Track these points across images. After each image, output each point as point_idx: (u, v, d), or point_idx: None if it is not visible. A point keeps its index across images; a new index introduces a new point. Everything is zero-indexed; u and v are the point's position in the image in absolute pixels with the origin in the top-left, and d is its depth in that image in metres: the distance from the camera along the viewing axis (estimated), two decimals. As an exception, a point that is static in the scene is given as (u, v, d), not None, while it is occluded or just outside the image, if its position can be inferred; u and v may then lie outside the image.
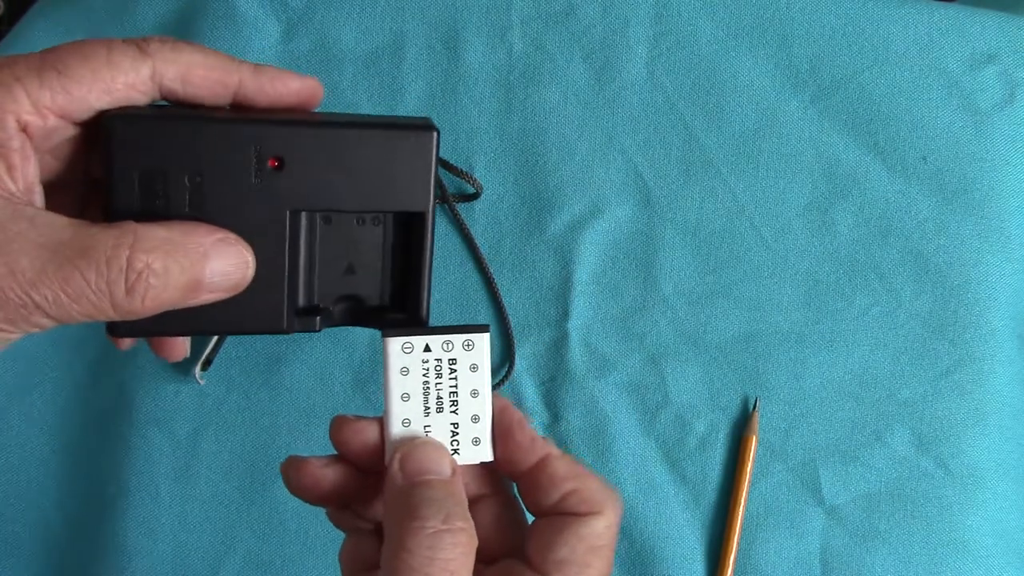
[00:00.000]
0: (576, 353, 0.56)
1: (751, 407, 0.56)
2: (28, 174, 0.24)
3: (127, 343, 0.30)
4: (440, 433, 0.29)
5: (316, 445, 0.55)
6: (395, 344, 0.28)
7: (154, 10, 0.59)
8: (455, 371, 0.29)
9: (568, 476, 0.28)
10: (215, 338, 0.55)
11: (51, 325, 0.24)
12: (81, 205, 0.28)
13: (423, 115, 0.29)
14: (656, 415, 0.56)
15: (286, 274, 0.28)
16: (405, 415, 0.28)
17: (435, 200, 0.29)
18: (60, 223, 0.23)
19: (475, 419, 0.29)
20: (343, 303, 0.31)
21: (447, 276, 0.57)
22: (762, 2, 0.57)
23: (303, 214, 0.28)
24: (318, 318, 0.29)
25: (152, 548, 0.56)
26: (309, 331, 0.29)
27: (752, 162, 0.57)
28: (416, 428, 0.28)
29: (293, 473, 0.29)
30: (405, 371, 0.28)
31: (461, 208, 0.58)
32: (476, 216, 0.58)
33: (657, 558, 0.55)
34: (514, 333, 0.57)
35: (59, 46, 0.25)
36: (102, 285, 0.23)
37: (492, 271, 0.57)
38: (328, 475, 0.29)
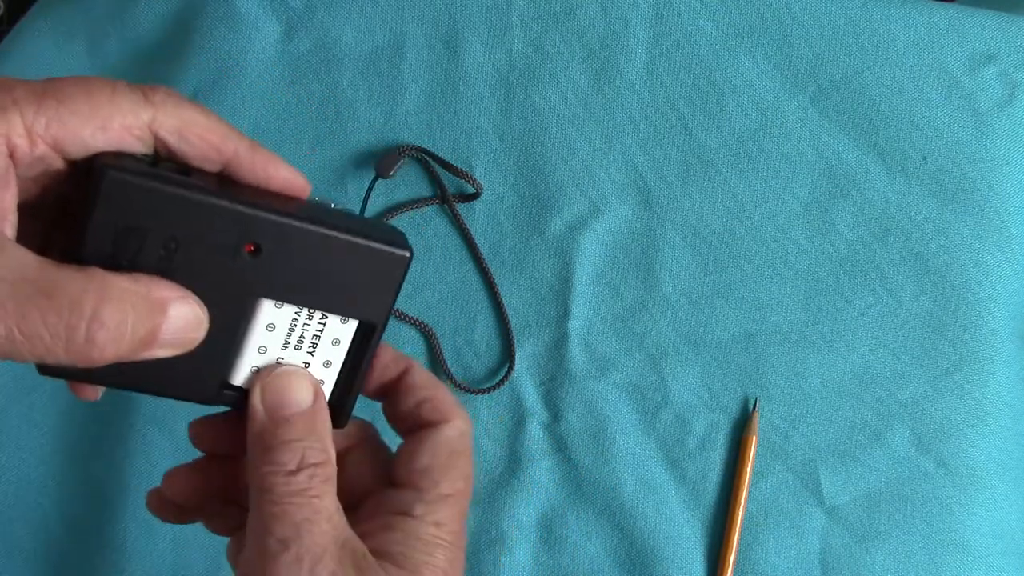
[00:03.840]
0: (576, 353, 0.56)
1: (751, 407, 0.56)
2: (4, 200, 0.24)
3: (90, 394, 0.30)
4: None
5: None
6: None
7: (154, 10, 0.59)
8: (325, 317, 0.30)
9: (425, 385, 0.31)
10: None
11: None
12: (48, 231, 0.28)
13: (401, 230, 0.30)
14: (656, 415, 0.56)
15: (230, 351, 0.29)
16: (263, 342, 0.29)
17: (387, 320, 0.30)
18: (29, 259, 0.23)
19: (327, 364, 0.30)
20: None
21: (447, 276, 0.57)
22: (762, 2, 0.57)
23: (269, 302, 0.29)
24: (240, 396, 0.30)
25: (152, 548, 0.56)
26: (231, 407, 0.30)
27: (752, 162, 0.57)
28: (269, 357, 0.29)
29: (154, 496, 0.32)
30: (279, 304, 0.29)
31: (461, 208, 0.58)
32: (476, 216, 0.58)
33: (657, 558, 0.55)
34: (514, 333, 0.57)
35: (64, 78, 0.25)
36: (60, 329, 0.22)
37: (492, 271, 0.57)
38: (192, 477, 0.32)
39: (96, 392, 0.30)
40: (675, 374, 0.56)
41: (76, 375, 0.28)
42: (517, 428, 0.57)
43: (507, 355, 0.57)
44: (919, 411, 0.56)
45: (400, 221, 0.58)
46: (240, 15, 0.58)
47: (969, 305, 0.56)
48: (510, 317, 0.57)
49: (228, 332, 0.28)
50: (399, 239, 0.30)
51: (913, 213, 0.57)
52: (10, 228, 0.25)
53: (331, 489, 0.28)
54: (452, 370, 0.57)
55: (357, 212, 0.57)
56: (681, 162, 0.57)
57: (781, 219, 0.57)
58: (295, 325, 0.29)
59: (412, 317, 0.57)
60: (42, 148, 0.24)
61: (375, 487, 0.31)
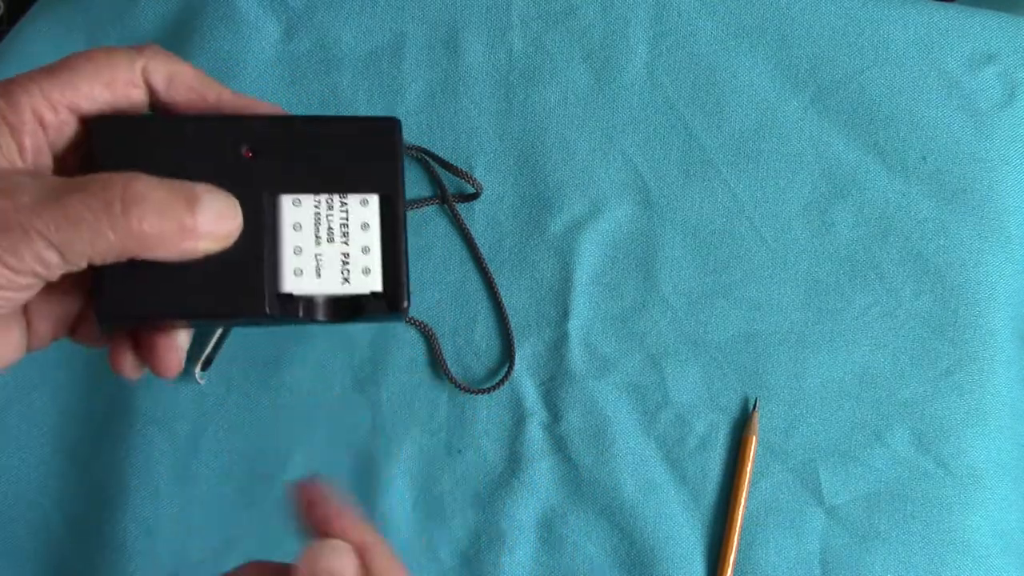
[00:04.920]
0: (576, 353, 0.56)
1: (751, 407, 0.56)
2: (41, 161, 0.27)
3: (134, 372, 0.31)
4: (331, 261, 0.30)
5: (315, 444, 0.55)
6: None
7: (154, 10, 0.59)
8: (345, 204, 0.30)
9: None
10: (215, 338, 0.55)
11: (56, 261, 0.25)
12: None
13: (418, 114, 0.32)
14: (656, 415, 0.56)
15: (264, 258, 0.29)
16: (296, 243, 0.30)
17: (402, 185, 0.31)
18: (60, 179, 0.26)
19: (365, 250, 0.30)
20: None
21: (447, 276, 0.57)
22: (762, 2, 0.57)
23: (287, 202, 0.30)
24: (300, 305, 0.30)
25: (152, 548, 0.56)
26: (292, 318, 0.30)
27: (752, 162, 0.57)
28: (307, 257, 0.30)
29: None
30: (297, 202, 0.30)
31: (461, 208, 0.58)
32: (476, 216, 0.58)
33: (657, 558, 0.55)
34: (514, 333, 0.57)
35: (68, 55, 0.28)
36: (100, 207, 0.24)
37: (492, 271, 0.57)
38: None
39: (177, 361, 0.31)
40: (675, 374, 0.56)
41: (131, 314, 0.28)
42: (517, 428, 0.57)
43: (507, 355, 0.57)
44: (919, 411, 0.56)
45: (400, 221, 0.58)
46: (240, 15, 0.58)
47: (969, 305, 0.56)
48: (510, 317, 0.57)
49: (259, 239, 0.29)
50: (384, 117, 0.31)
51: (913, 213, 0.57)
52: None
53: None
54: (452, 370, 0.57)
55: None
56: (681, 162, 0.57)
57: (781, 219, 0.57)
58: (319, 219, 0.30)
59: (412, 317, 0.57)
60: (63, 113, 0.27)
61: None
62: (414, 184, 0.58)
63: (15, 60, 0.59)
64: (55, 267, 0.25)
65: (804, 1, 0.57)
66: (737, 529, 0.55)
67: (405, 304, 0.30)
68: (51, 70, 0.27)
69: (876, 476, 0.55)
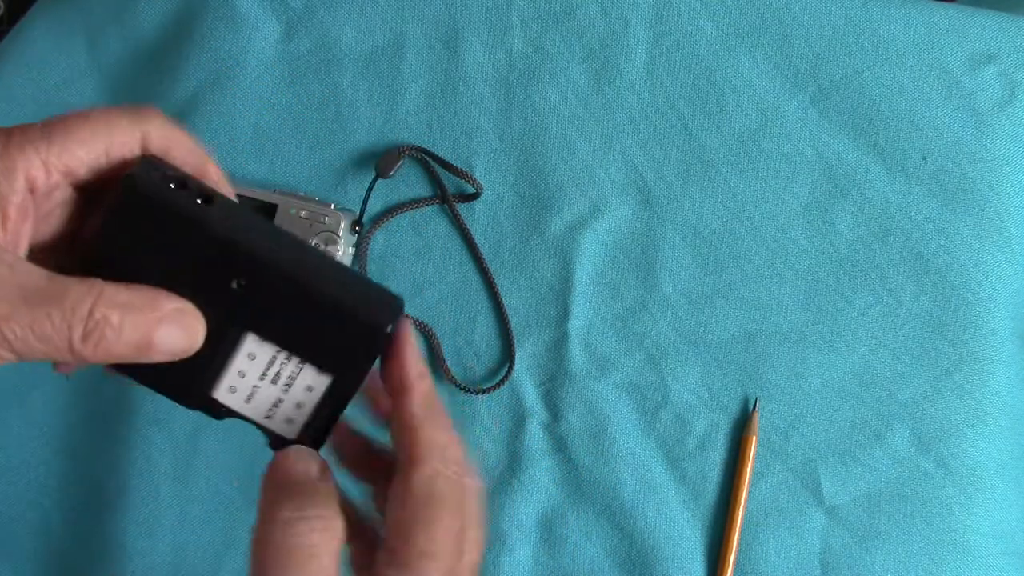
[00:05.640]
0: (576, 353, 0.56)
1: (751, 407, 0.56)
2: (20, 230, 0.27)
3: (67, 368, 0.32)
4: (264, 397, 0.31)
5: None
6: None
7: (154, 10, 0.59)
8: (303, 365, 0.31)
9: (404, 426, 0.30)
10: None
11: (10, 359, 0.25)
12: (58, 263, 0.30)
13: (397, 297, 0.31)
14: (656, 415, 0.56)
15: (209, 364, 0.30)
16: (243, 368, 0.30)
17: (362, 381, 0.31)
18: (37, 272, 0.26)
19: (299, 406, 0.31)
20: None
21: (447, 276, 0.57)
22: (762, 2, 0.57)
23: (252, 336, 0.30)
24: (222, 411, 0.32)
25: (152, 548, 0.56)
26: (210, 415, 0.32)
27: (752, 162, 0.57)
28: (247, 383, 0.31)
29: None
30: (261, 341, 0.30)
31: (461, 208, 0.58)
32: (476, 216, 0.58)
33: (657, 558, 0.55)
34: (514, 333, 0.57)
35: (65, 113, 0.28)
36: (64, 328, 0.25)
37: (492, 271, 0.57)
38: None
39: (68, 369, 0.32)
40: (675, 374, 0.56)
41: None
42: (517, 428, 0.57)
43: (507, 355, 0.57)
44: (919, 411, 0.56)
45: (400, 221, 0.58)
46: (240, 15, 0.58)
47: (969, 305, 0.56)
48: (510, 317, 0.57)
49: (216, 350, 0.30)
50: (387, 308, 0.30)
51: (913, 213, 0.57)
52: (22, 252, 0.27)
53: (331, 548, 0.28)
54: (452, 370, 0.57)
55: (357, 214, 0.57)
56: (681, 162, 0.57)
57: (781, 219, 0.57)
58: (274, 362, 0.30)
59: (412, 317, 0.57)
60: (56, 177, 0.27)
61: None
62: (414, 184, 0.58)
63: (15, 60, 0.59)
64: (5, 363, 0.26)
65: (804, 1, 0.57)
66: (737, 529, 0.55)
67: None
68: (48, 132, 0.27)
69: (876, 476, 0.55)
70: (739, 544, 0.55)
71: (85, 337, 0.25)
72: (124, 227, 0.28)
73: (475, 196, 0.58)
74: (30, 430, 0.57)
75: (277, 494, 0.29)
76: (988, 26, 0.57)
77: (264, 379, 0.31)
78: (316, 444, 0.32)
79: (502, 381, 0.56)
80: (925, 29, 0.57)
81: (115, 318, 0.26)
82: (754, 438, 0.55)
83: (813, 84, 0.57)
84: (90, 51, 0.59)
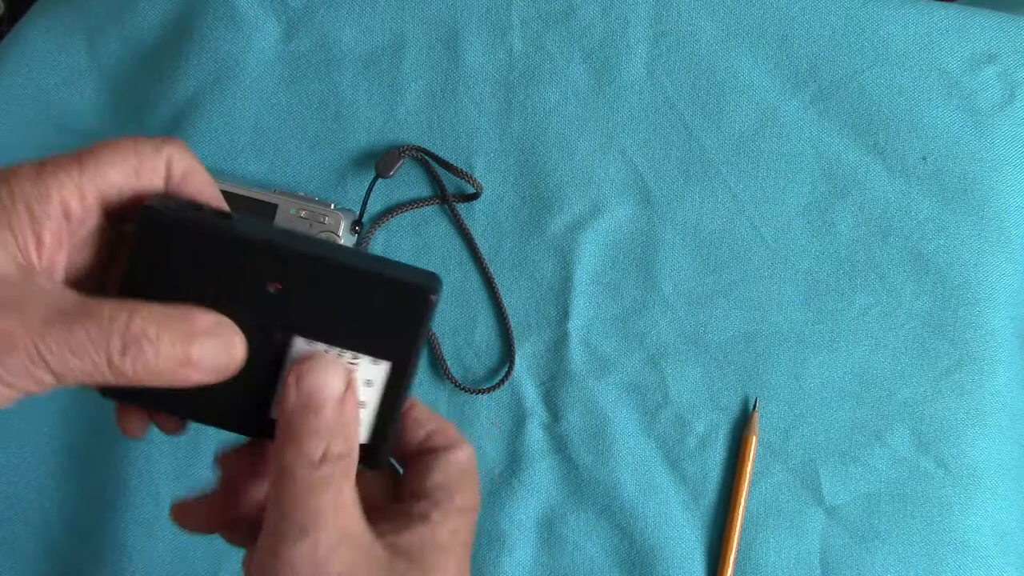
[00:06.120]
0: (576, 353, 0.56)
1: (751, 407, 0.56)
2: (56, 257, 0.27)
3: (139, 432, 0.32)
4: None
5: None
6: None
7: (154, 10, 0.59)
8: (357, 359, 0.30)
9: (429, 419, 0.33)
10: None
11: (50, 383, 0.25)
12: (93, 290, 0.30)
13: (435, 273, 0.30)
14: (656, 415, 0.56)
15: (261, 384, 0.30)
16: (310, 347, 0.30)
17: (417, 356, 0.30)
18: (69, 294, 0.26)
19: (361, 405, 0.30)
20: None
21: (447, 276, 0.57)
22: (762, 2, 0.57)
23: (301, 341, 0.30)
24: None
25: (152, 548, 0.56)
26: (271, 438, 0.31)
27: (752, 162, 0.57)
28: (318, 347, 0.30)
29: (178, 517, 0.34)
30: (311, 343, 0.30)
31: (461, 208, 0.58)
32: (476, 216, 0.58)
33: (657, 558, 0.55)
34: (514, 333, 0.57)
35: (94, 144, 0.28)
36: (102, 340, 0.25)
37: (492, 271, 0.57)
38: (203, 507, 0.33)
39: (142, 432, 0.32)
40: (675, 374, 0.56)
41: (131, 396, 0.29)
42: (517, 428, 0.57)
43: (507, 355, 0.57)
44: (919, 411, 0.56)
45: (400, 221, 0.58)
46: (240, 15, 0.58)
47: (969, 305, 0.56)
48: (510, 317, 0.57)
49: (265, 366, 0.29)
50: (426, 278, 0.30)
51: (913, 213, 0.57)
52: (58, 279, 0.28)
53: (351, 482, 0.29)
54: (452, 370, 0.57)
55: (357, 214, 0.57)
56: (681, 162, 0.57)
57: (781, 219, 0.57)
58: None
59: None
60: (89, 200, 0.27)
61: (383, 502, 0.32)
62: (414, 184, 0.58)
63: (15, 60, 0.59)
64: (47, 387, 0.25)
65: (804, 1, 0.57)
66: (737, 529, 0.55)
67: (379, 465, 0.32)
68: (79, 158, 0.27)
69: (876, 476, 0.55)
70: (739, 544, 0.55)
71: (124, 350, 0.25)
72: (150, 254, 0.28)
73: (475, 196, 0.58)
74: (30, 430, 0.57)
75: (303, 429, 0.28)
76: (988, 26, 0.57)
77: None
78: (387, 441, 0.31)
79: (502, 381, 0.56)
80: (925, 29, 0.57)
81: (152, 331, 0.26)
82: (754, 438, 0.55)
83: (813, 84, 0.57)
84: (90, 51, 0.59)
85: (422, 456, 0.32)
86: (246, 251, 0.28)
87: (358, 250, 0.30)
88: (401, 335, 0.30)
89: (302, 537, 0.27)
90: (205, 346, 0.27)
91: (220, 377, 0.28)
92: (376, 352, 0.30)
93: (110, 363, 0.25)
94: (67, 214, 0.27)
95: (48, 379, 0.25)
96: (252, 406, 0.30)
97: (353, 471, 0.29)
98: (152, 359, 0.26)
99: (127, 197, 0.28)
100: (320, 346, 0.29)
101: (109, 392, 0.29)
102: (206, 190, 0.30)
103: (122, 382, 0.26)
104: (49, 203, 0.26)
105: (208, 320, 0.27)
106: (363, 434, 0.31)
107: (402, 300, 0.29)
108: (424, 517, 0.30)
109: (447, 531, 0.30)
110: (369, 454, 0.31)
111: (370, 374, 0.30)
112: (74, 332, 0.25)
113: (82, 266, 0.29)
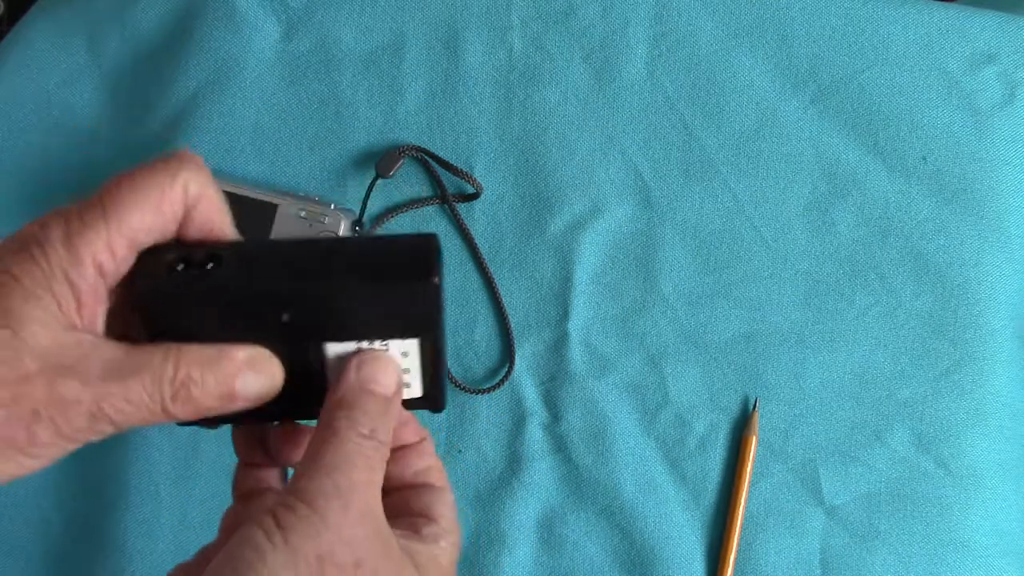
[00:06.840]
0: (576, 353, 0.56)
1: (751, 407, 0.56)
2: (96, 312, 0.28)
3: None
4: None
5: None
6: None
7: (154, 10, 0.59)
8: (387, 342, 0.32)
9: (432, 455, 0.35)
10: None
11: (110, 432, 0.28)
12: (124, 328, 0.31)
13: (430, 236, 0.31)
14: (656, 415, 0.56)
15: (318, 387, 0.32)
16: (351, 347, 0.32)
17: (442, 320, 0.31)
18: (117, 348, 0.28)
19: (406, 371, 0.32)
20: None
21: (447, 276, 0.57)
22: (762, 2, 0.57)
23: (332, 344, 0.31)
24: None
25: (152, 548, 0.56)
26: None
27: (752, 162, 0.57)
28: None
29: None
30: (339, 344, 0.31)
31: (461, 208, 0.58)
32: (476, 216, 0.58)
33: (657, 558, 0.55)
34: (514, 333, 0.57)
35: (107, 182, 0.29)
36: (156, 394, 0.27)
37: (492, 271, 0.57)
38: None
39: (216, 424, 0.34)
40: (675, 374, 0.56)
41: (207, 420, 0.31)
42: (517, 428, 0.57)
43: (507, 355, 0.57)
44: (919, 411, 0.56)
45: (400, 221, 0.58)
46: (240, 15, 0.58)
47: (969, 305, 0.56)
48: (510, 317, 0.57)
49: (307, 372, 0.31)
50: (424, 258, 0.30)
51: (913, 213, 0.57)
52: (99, 330, 0.29)
53: (382, 474, 0.30)
54: (452, 370, 0.57)
55: (357, 214, 0.57)
56: (681, 162, 0.57)
57: (781, 219, 0.57)
58: (361, 352, 0.31)
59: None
60: (122, 255, 0.28)
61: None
62: (414, 184, 0.58)
63: (15, 60, 0.59)
64: (107, 435, 0.28)
65: (804, 1, 0.57)
66: (737, 529, 0.55)
67: (440, 407, 0.34)
68: (103, 211, 0.28)
69: (876, 476, 0.55)
70: (739, 544, 0.55)
71: (175, 398, 0.28)
72: (159, 318, 0.29)
73: (475, 196, 0.58)
74: (30, 430, 0.57)
75: (359, 406, 0.30)
76: (988, 26, 0.57)
77: None
78: (440, 389, 0.33)
79: (502, 381, 0.56)
80: (925, 29, 0.57)
81: (196, 374, 0.28)
82: (754, 438, 0.55)
83: (813, 84, 0.57)
84: (90, 51, 0.59)
85: (424, 486, 0.35)
86: (244, 303, 0.29)
87: (345, 242, 0.31)
88: (422, 316, 0.31)
89: (336, 496, 0.28)
90: (247, 379, 0.29)
91: (264, 400, 0.30)
92: (403, 333, 0.31)
93: (164, 409, 0.28)
94: (101, 273, 0.28)
95: (109, 430, 0.28)
96: (309, 407, 0.32)
97: (384, 463, 0.30)
98: (200, 399, 0.28)
99: (154, 233, 0.29)
100: (351, 344, 0.31)
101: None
102: (215, 219, 0.30)
103: (175, 421, 0.28)
104: (83, 267, 0.27)
105: (244, 354, 0.29)
106: (417, 388, 0.33)
107: (411, 295, 0.30)
108: (434, 538, 0.33)
109: (448, 560, 0.33)
110: (430, 402, 0.34)
111: (404, 347, 0.32)
112: (131, 388, 0.27)
113: (117, 303, 0.30)
